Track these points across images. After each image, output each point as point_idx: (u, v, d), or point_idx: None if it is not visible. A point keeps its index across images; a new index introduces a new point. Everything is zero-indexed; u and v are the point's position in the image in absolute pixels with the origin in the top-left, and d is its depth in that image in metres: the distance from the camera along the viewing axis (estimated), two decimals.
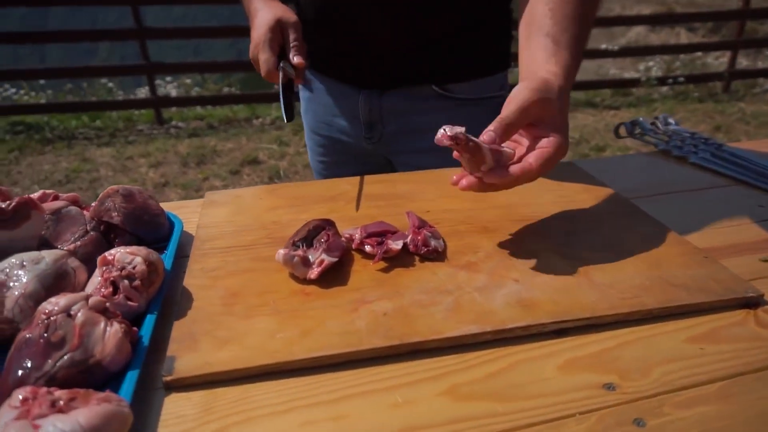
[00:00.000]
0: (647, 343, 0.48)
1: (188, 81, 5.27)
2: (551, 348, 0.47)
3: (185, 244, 0.65)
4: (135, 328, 0.46)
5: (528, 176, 0.56)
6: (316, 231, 0.59)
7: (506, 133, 0.57)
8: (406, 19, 0.83)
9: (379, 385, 0.43)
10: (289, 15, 0.81)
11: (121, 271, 0.49)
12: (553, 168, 0.57)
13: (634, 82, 4.99)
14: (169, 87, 5.08)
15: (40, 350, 0.40)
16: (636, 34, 8.13)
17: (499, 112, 0.97)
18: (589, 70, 5.93)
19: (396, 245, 0.58)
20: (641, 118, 1.05)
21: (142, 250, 0.51)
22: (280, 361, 0.44)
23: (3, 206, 0.50)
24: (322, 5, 0.87)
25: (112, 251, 0.51)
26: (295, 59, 0.78)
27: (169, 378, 0.43)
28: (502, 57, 0.96)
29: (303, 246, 0.56)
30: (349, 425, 0.40)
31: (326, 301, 0.52)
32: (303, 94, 1.02)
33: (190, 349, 0.46)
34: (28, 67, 4.95)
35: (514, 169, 0.55)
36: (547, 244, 0.61)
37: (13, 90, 5.06)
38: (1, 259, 0.49)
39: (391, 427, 0.40)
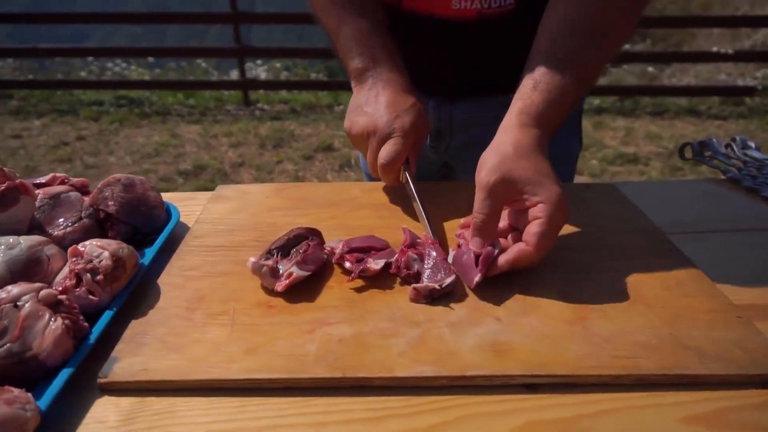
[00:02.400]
0: (632, 416, 0.41)
1: (278, 65, 5.46)
2: (514, 404, 0.42)
3: (182, 238, 0.65)
4: (85, 324, 0.46)
5: (528, 260, 0.53)
6: (297, 240, 0.56)
7: (487, 234, 0.55)
8: (489, 26, 0.76)
9: (309, 419, 0.40)
10: (425, 111, 0.70)
11: (87, 264, 0.49)
12: (557, 234, 0.54)
13: (748, 91, 4.49)
14: (260, 70, 5.29)
15: None
16: (764, 36, 7.32)
17: (574, 123, 0.90)
18: (699, 75, 5.43)
19: (376, 265, 0.54)
20: (714, 139, 0.92)
21: (113, 245, 0.51)
22: (213, 379, 0.42)
23: None
24: (400, 16, 0.82)
25: (85, 243, 0.51)
26: (414, 167, 0.70)
27: (103, 380, 0.42)
28: None
29: (278, 255, 0.54)
30: None
31: (286, 317, 0.49)
32: None
33: (134, 352, 0.45)
34: (133, 46, 5.34)
35: (502, 259, 0.53)
36: (549, 280, 0.54)
37: (125, 65, 5.51)
38: None
39: None
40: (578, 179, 3.17)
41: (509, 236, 0.58)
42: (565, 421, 0.40)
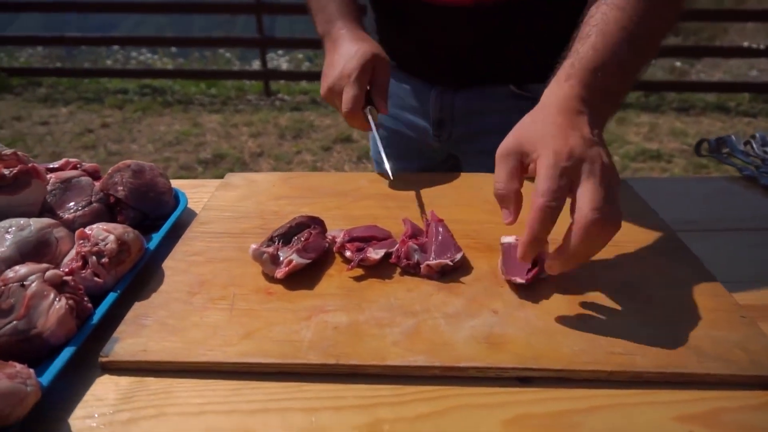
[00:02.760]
0: (625, 413, 0.40)
1: (300, 56, 5.48)
2: (506, 397, 0.42)
3: (189, 224, 0.66)
4: (89, 305, 0.47)
5: (573, 260, 0.47)
6: (299, 228, 0.57)
7: (508, 203, 0.52)
8: (488, 14, 0.76)
9: (300, 404, 0.41)
10: (383, 53, 0.74)
11: (93, 246, 0.50)
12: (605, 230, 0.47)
13: None
14: (281, 60, 5.31)
15: None
16: None
17: None
18: (730, 71, 5.28)
19: (376, 254, 0.54)
20: (732, 136, 0.90)
21: (119, 229, 0.52)
22: (208, 361, 0.43)
23: (5, 173, 0.54)
24: (399, 3, 0.83)
25: (92, 226, 0.52)
26: (382, 108, 0.73)
27: (104, 359, 0.44)
28: None
29: (279, 242, 0.55)
30: None
31: (285, 303, 0.50)
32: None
33: (135, 333, 0.46)
34: (157, 35, 5.40)
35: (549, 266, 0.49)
36: (552, 276, 0.54)
37: (150, 54, 5.59)
38: None
39: None
40: None
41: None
42: (557, 415, 0.40)
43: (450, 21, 0.75)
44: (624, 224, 0.63)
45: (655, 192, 0.73)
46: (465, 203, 0.69)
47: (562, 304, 0.50)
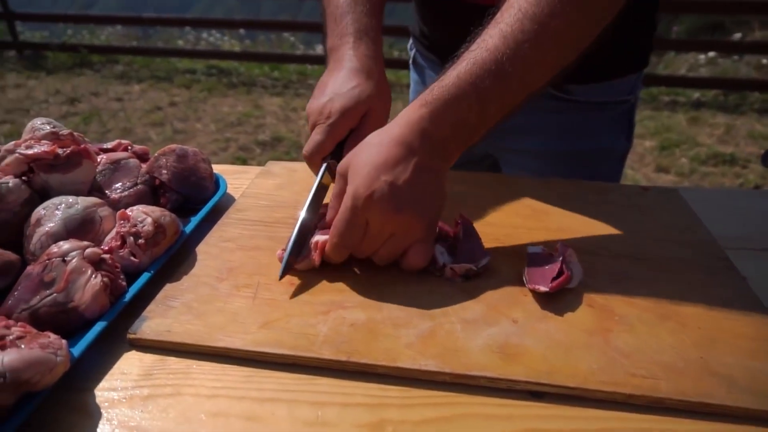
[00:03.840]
0: None
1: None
2: (515, 410, 0.41)
3: (227, 209, 0.68)
4: (123, 283, 0.50)
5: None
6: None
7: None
8: None
9: (309, 397, 0.42)
10: (383, 98, 0.63)
11: (132, 227, 0.53)
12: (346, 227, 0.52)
13: None
14: None
15: (33, 286, 0.46)
16: None
17: (624, 119, 0.86)
18: None
19: None
20: None
21: (156, 212, 0.55)
22: (225, 347, 0.45)
23: (60, 152, 0.57)
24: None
25: (133, 208, 0.55)
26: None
27: (132, 336, 0.46)
28: (637, 56, 0.82)
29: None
30: (255, 428, 0.39)
31: (306, 296, 0.51)
32: (413, 75, 1.00)
33: (162, 313, 0.48)
34: (226, 18, 5.56)
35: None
36: (579, 288, 0.52)
37: (219, 36, 5.78)
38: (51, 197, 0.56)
39: None
40: (663, 178, 2.97)
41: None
42: None
43: (477, 18, 0.74)
44: (667, 236, 0.61)
45: (706, 204, 0.69)
46: (499, 205, 0.67)
47: (586, 317, 0.48)
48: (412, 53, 0.98)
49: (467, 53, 0.52)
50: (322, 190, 0.59)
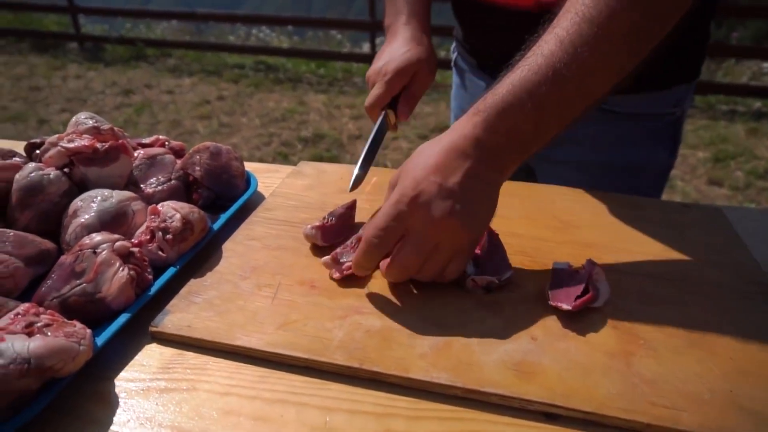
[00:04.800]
0: None
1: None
2: (526, 430, 0.40)
3: (256, 207, 0.69)
4: (150, 277, 0.51)
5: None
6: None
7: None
8: (543, 15, 0.73)
9: (318, 402, 0.42)
10: (430, 62, 0.73)
11: (161, 222, 0.55)
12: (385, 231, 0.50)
13: None
14: None
15: (65, 275, 0.48)
16: None
17: (668, 133, 0.82)
18: None
19: None
20: None
21: (185, 208, 0.56)
22: (241, 346, 0.46)
23: (98, 147, 0.60)
24: (470, 3, 0.81)
25: (164, 203, 0.57)
26: (402, 115, 0.72)
27: (154, 329, 0.48)
28: (686, 67, 0.78)
29: (329, 220, 0.57)
30: (263, 429, 0.40)
31: (324, 299, 0.51)
32: (454, 78, 0.99)
33: (184, 308, 0.50)
34: (276, 14, 5.67)
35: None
36: (604, 307, 0.50)
37: (268, 32, 5.89)
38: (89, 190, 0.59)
39: None
40: (715, 191, 2.84)
41: None
42: None
43: (512, 22, 0.72)
44: (705, 258, 0.58)
45: (756, 225, 0.65)
46: (529, 216, 0.66)
47: (609, 339, 0.47)
48: (454, 56, 0.98)
49: (522, 60, 0.51)
50: (381, 131, 0.71)
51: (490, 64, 0.85)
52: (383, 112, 0.71)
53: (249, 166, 0.76)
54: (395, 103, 0.72)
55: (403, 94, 0.72)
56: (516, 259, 0.57)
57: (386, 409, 0.41)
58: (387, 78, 0.70)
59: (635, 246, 0.61)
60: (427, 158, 0.52)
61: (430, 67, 0.74)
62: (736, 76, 4.31)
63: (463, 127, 0.51)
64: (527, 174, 0.93)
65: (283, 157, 3.23)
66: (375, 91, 0.71)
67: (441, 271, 0.51)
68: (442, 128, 3.60)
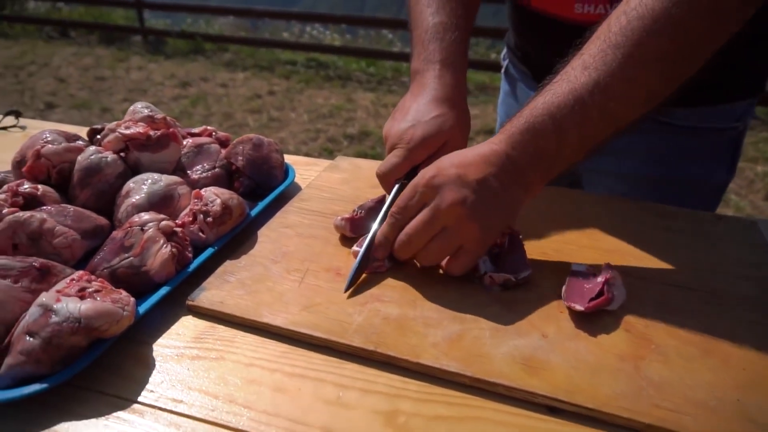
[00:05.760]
0: None
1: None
2: (528, 422, 0.42)
3: (292, 197, 0.73)
4: (190, 255, 0.56)
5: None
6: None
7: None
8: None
9: (334, 378, 0.45)
10: (463, 130, 0.64)
11: (203, 206, 0.59)
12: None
13: None
14: None
15: (115, 249, 0.53)
16: None
17: (727, 148, 0.80)
18: None
19: None
20: None
21: (226, 194, 0.60)
22: (268, 323, 0.49)
23: (151, 134, 0.65)
24: (523, 13, 0.82)
25: (206, 189, 0.61)
26: None
27: (190, 303, 0.52)
28: (749, 81, 0.76)
29: (359, 212, 0.61)
30: (282, 400, 0.43)
31: None
32: (503, 86, 0.98)
33: (218, 286, 0.54)
34: (329, 13, 5.77)
35: None
36: (620, 311, 0.51)
37: (321, 29, 6.01)
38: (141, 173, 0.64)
39: (314, 419, 0.41)
40: None
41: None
42: None
43: (575, 38, 0.73)
44: (731, 270, 0.58)
45: None
46: (555, 219, 0.66)
47: (621, 342, 0.48)
48: (504, 63, 0.97)
49: (550, 84, 0.53)
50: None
51: (545, 75, 0.85)
52: (397, 185, 0.61)
53: (290, 159, 0.80)
54: (413, 173, 0.59)
55: (425, 163, 0.61)
56: (537, 260, 0.58)
57: (397, 390, 0.44)
58: (411, 146, 0.60)
59: (661, 254, 0.61)
60: (454, 156, 0.54)
61: (463, 134, 0.64)
62: None
63: (490, 143, 0.54)
64: (572, 183, 0.92)
65: (329, 152, 3.29)
66: (393, 159, 0.61)
67: (442, 258, 0.54)
68: (488, 131, 3.57)
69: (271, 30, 5.95)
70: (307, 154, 3.29)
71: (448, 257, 0.54)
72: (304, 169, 0.81)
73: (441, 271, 0.56)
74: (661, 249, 0.61)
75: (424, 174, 0.53)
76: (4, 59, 5.08)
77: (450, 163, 0.53)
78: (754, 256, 0.60)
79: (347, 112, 3.92)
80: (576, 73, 0.50)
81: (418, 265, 0.56)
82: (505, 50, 0.96)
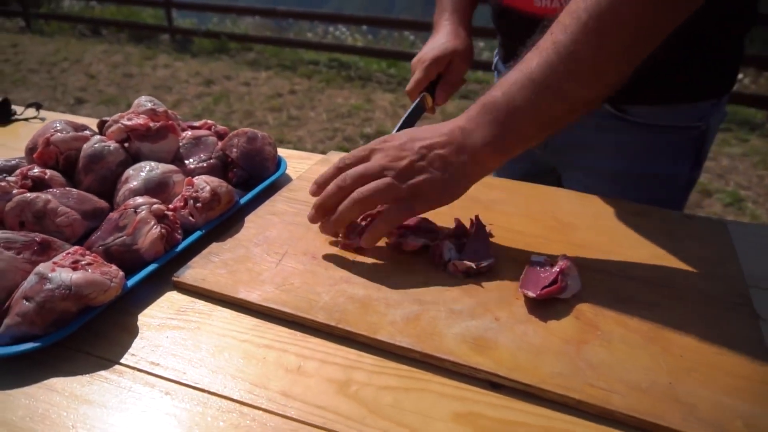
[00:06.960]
0: None
1: (481, 44, 5.47)
2: (469, 394, 0.45)
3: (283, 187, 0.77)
4: (179, 236, 0.61)
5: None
6: None
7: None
8: None
9: (297, 350, 0.49)
10: (464, 53, 0.85)
11: (194, 192, 0.64)
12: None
13: None
14: None
15: (110, 228, 0.58)
16: None
17: (691, 146, 0.83)
18: None
19: (416, 242, 0.60)
20: None
21: (215, 182, 0.65)
22: (242, 299, 0.54)
23: (151, 126, 0.70)
24: (502, 11, 0.87)
25: (198, 177, 0.66)
26: (439, 100, 0.83)
27: (175, 279, 0.57)
28: (713, 82, 0.79)
29: None
30: (247, 366, 0.47)
31: (321, 269, 0.58)
32: (495, 81, 1.04)
33: (202, 265, 0.59)
34: (349, 14, 5.84)
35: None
36: (573, 300, 0.54)
37: (344, 30, 6.08)
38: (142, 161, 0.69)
39: (274, 385, 0.45)
40: None
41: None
42: (507, 423, 0.42)
43: (529, 28, 0.76)
44: (693, 268, 0.60)
45: (759, 240, 0.66)
46: (529, 215, 0.69)
47: (568, 327, 0.51)
48: (495, 59, 1.02)
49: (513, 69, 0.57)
50: (417, 111, 0.81)
51: None
52: (421, 95, 0.82)
53: (284, 153, 0.85)
54: (433, 88, 0.84)
55: (441, 80, 0.84)
56: (505, 252, 0.61)
57: (352, 363, 0.48)
58: (425, 65, 0.82)
59: (628, 250, 0.63)
60: (416, 128, 0.61)
61: (465, 57, 0.85)
62: None
63: (450, 121, 0.59)
64: (555, 181, 0.96)
65: (344, 151, 3.34)
66: (415, 77, 0.83)
67: (371, 205, 0.58)
68: None
69: (295, 30, 6.05)
70: (322, 152, 3.34)
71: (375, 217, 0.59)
72: (297, 162, 0.85)
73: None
74: (627, 245, 0.64)
75: (384, 137, 0.61)
76: (39, 56, 5.28)
77: (408, 132, 0.60)
78: (718, 255, 0.62)
79: (365, 112, 3.98)
80: (530, 55, 0.55)
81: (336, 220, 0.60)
82: (497, 48, 1.01)
